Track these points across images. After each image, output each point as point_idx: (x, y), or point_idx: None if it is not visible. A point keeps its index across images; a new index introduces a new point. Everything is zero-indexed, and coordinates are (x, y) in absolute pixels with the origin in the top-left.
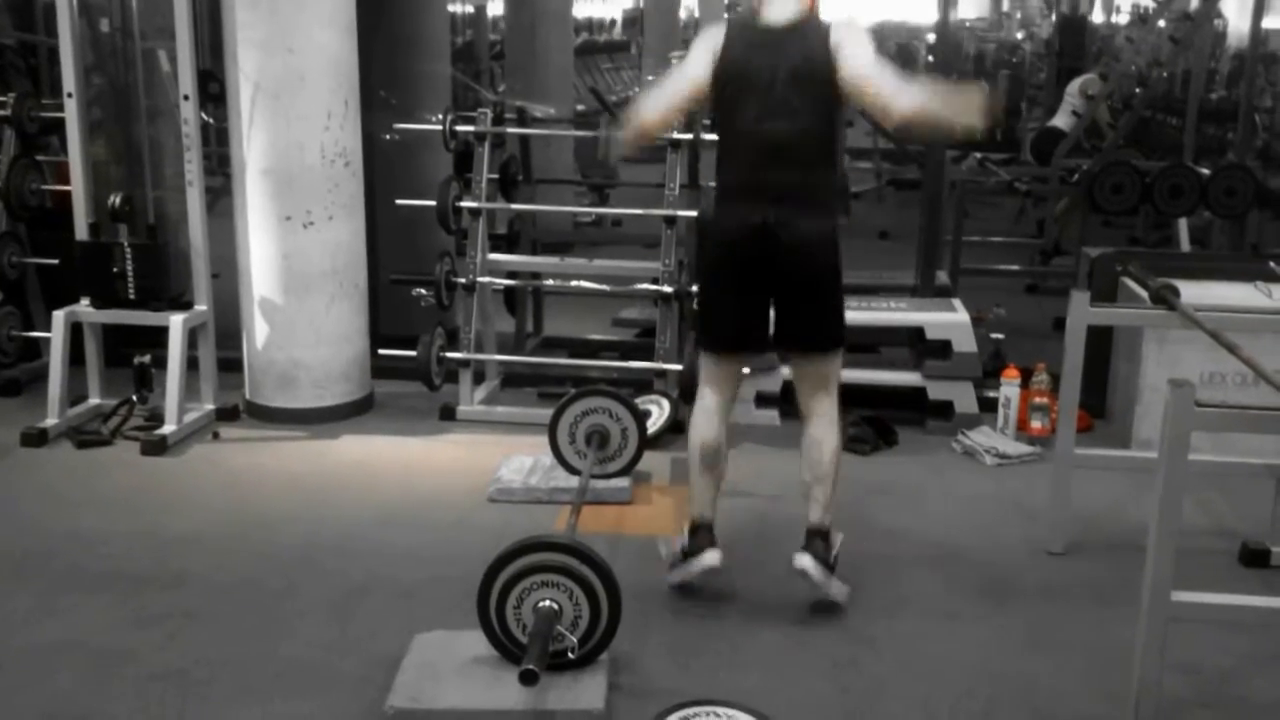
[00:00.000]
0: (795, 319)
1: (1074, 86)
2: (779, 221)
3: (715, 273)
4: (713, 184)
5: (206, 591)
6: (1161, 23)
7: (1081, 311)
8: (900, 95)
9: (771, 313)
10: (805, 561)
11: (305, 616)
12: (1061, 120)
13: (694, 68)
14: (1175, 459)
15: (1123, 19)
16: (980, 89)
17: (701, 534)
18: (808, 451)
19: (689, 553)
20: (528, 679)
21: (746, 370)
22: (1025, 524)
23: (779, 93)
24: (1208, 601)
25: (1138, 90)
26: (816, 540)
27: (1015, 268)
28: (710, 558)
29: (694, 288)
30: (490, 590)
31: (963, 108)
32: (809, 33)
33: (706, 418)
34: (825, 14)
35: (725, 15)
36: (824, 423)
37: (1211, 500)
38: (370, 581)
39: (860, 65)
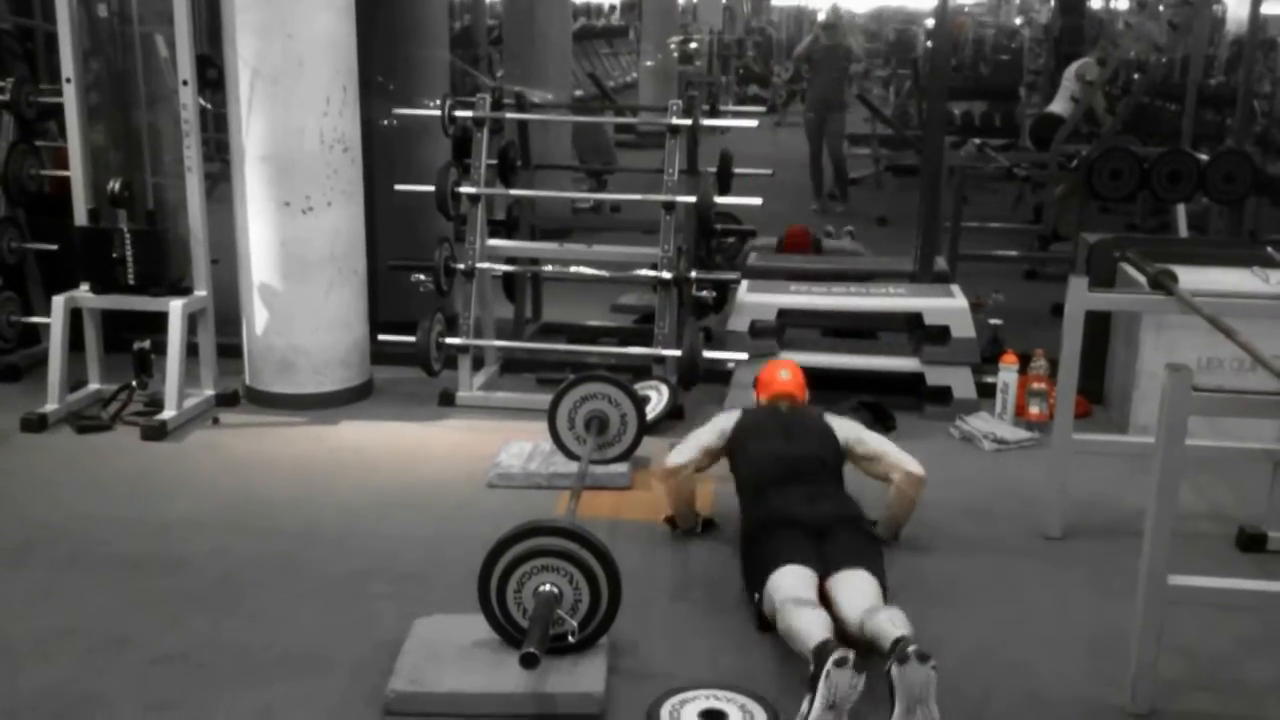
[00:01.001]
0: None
1: (1071, 71)
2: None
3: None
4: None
5: (207, 576)
6: (1161, 8)
7: (1080, 297)
8: (910, 461)
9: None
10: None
11: (306, 600)
12: (1060, 105)
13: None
14: (1172, 443)
15: (1122, 4)
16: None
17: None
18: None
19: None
20: (528, 662)
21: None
22: (1023, 509)
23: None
24: (1203, 585)
25: (1136, 76)
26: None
27: (1014, 253)
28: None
29: (695, 273)
30: (491, 574)
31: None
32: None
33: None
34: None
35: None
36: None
37: (1209, 485)
38: (370, 566)
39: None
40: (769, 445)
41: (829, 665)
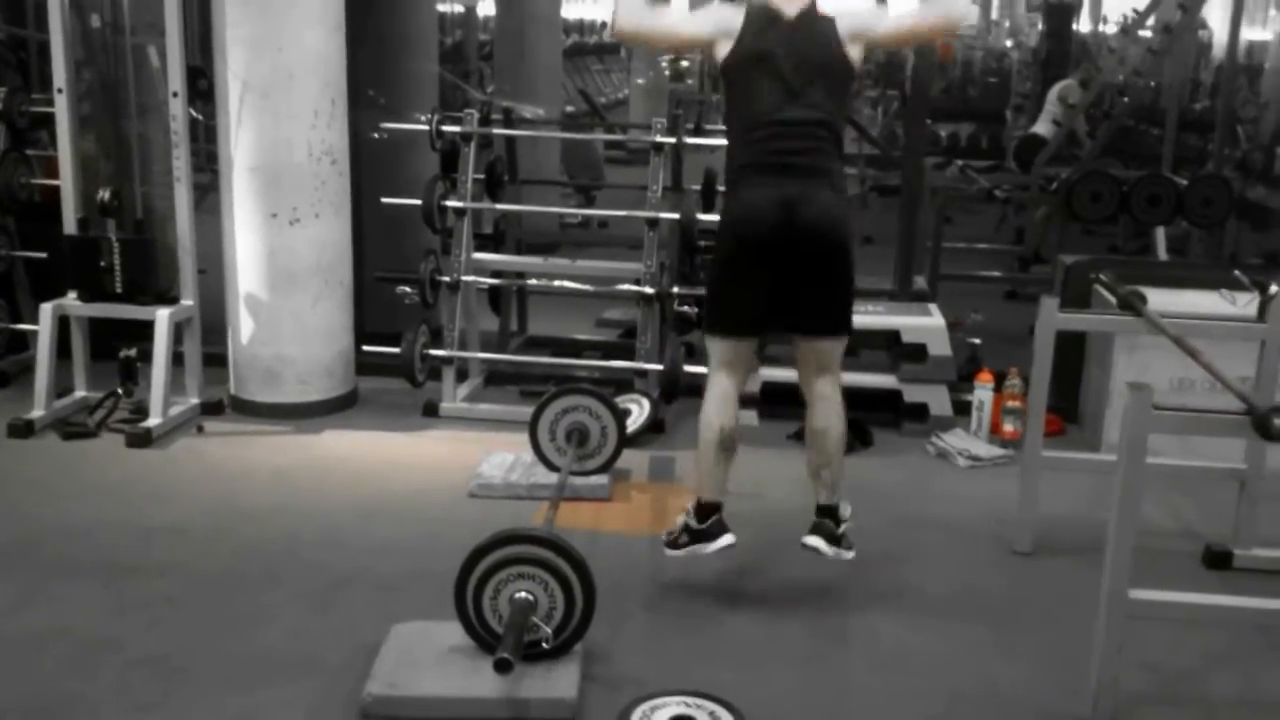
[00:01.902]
0: (809, 302)
1: (1054, 94)
2: (801, 198)
3: (732, 255)
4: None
5: (190, 581)
6: (1144, 32)
7: (1050, 316)
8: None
9: (779, 298)
10: (815, 541)
11: (287, 606)
12: (1042, 128)
13: (709, 27)
14: (1133, 460)
15: (1111, 29)
16: None
17: (716, 518)
18: (815, 437)
19: (703, 532)
20: (502, 667)
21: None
22: (994, 524)
23: (799, 81)
24: (1164, 599)
25: (1124, 99)
26: (826, 520)
27: (995, 274)
28: (726, 539)
29: (677, 288)
30: (467, 581)
31: None
32: (817, 23)
33: (721, 403)
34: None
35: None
36: (830, 406)
37: (1178, 504)
38: (351, 573)
39: (890, 18)
40: (773, 103)
41: (706, 544)
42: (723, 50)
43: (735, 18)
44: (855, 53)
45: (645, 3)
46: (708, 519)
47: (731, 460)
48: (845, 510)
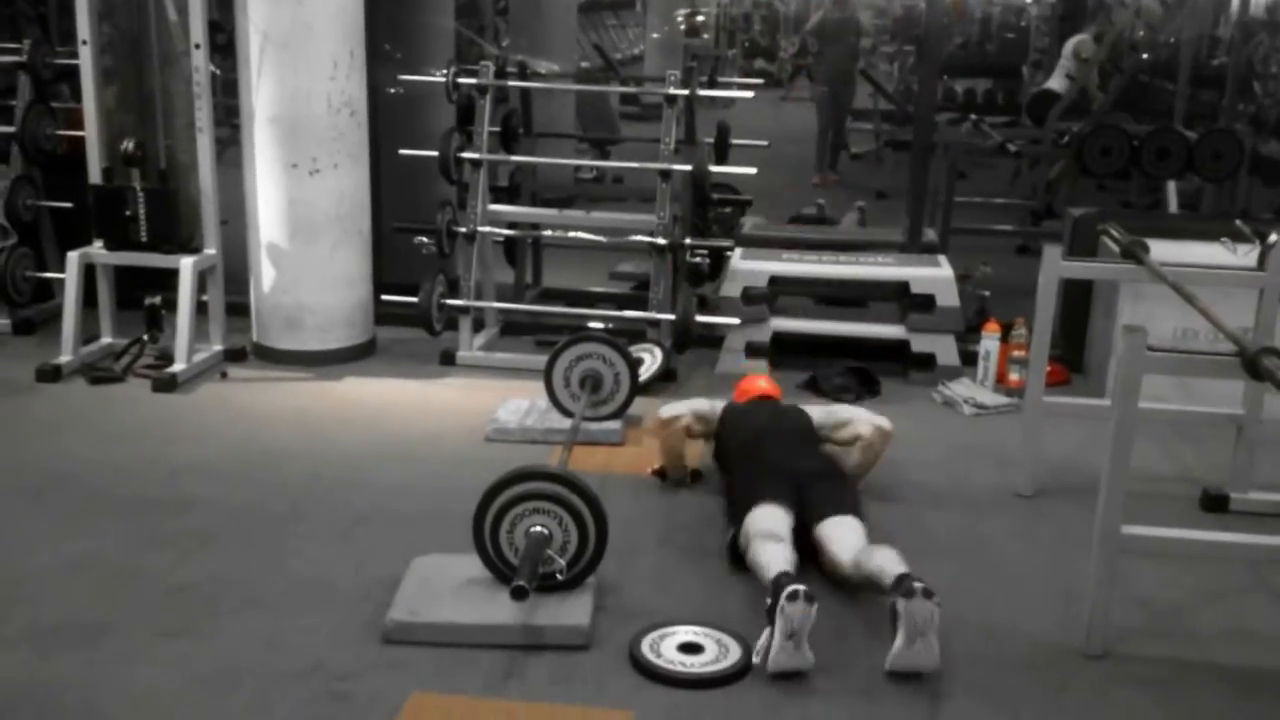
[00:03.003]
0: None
1: (1068, 48)
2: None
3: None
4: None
5: (215, 516)
6: None
7: (1053, 264)
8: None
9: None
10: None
11: (309, 540)
12: (1056, 82)
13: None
14: (1127, 399)
15: None
16: None
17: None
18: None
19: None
20: (518, 594)
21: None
22: (998, 469)
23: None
24: (1155, 535)
25: (1144, 56)
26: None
27: (1007, 228)
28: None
29: (689, 240)
30: (485, 515)
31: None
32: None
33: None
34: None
35: None
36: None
37: (1178, 450)
38: (371, 510)
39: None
40: (756, 423)
41: (783, 599)
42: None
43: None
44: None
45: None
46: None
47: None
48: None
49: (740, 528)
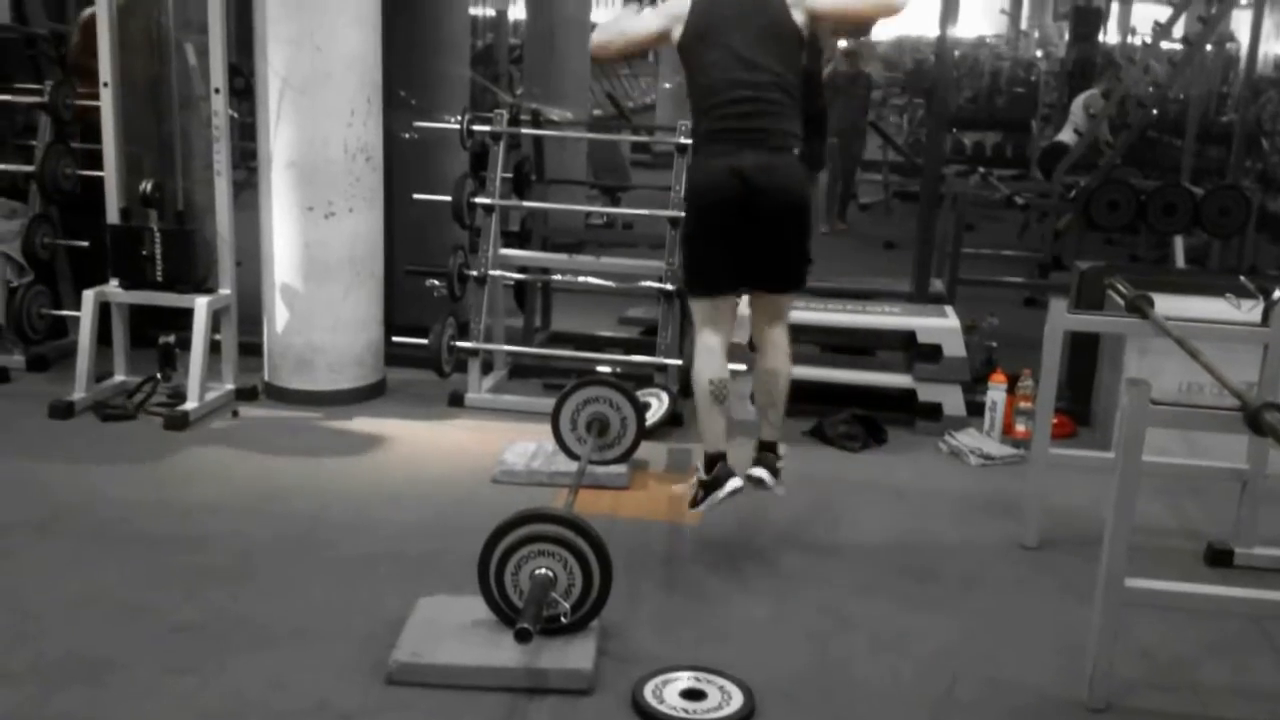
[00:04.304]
0: (769, 260)
1: (1078, 103)
2: (756, 165)
3: (699, 220)
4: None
5: (224, 554)
6: (1164, 45)
7: (1059, 318)
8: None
9: (742, 257)
10: (760, 472)
11: (316, 580)
12: (1066, 136)
13: (658, 20)
14: (1131, 451)
15: (1137, 40)
16: None
17: (720, 465)
18: (765, 378)
19: (711, 483)
20: (522, 637)
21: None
22: (1003, 520)
23: (749, 49)
24: (1159, 588)
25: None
26: (769, 454)
27: (1014, 279)
28: (733, 483)
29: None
30: (490, 557)
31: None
32: None
33: (711, 356)
34: None
35: None
36: (781, 354)
37: (1182, 504)
38: (378, 551)
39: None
40: (725, 72)
41: (723, 494)
42: (676, 33)
43: (682, 4)
44: (800, 18)
45: (612, 22)
46: (713, 468)
47: (726, 410)
48: (783, 449)
49: (692, 364)
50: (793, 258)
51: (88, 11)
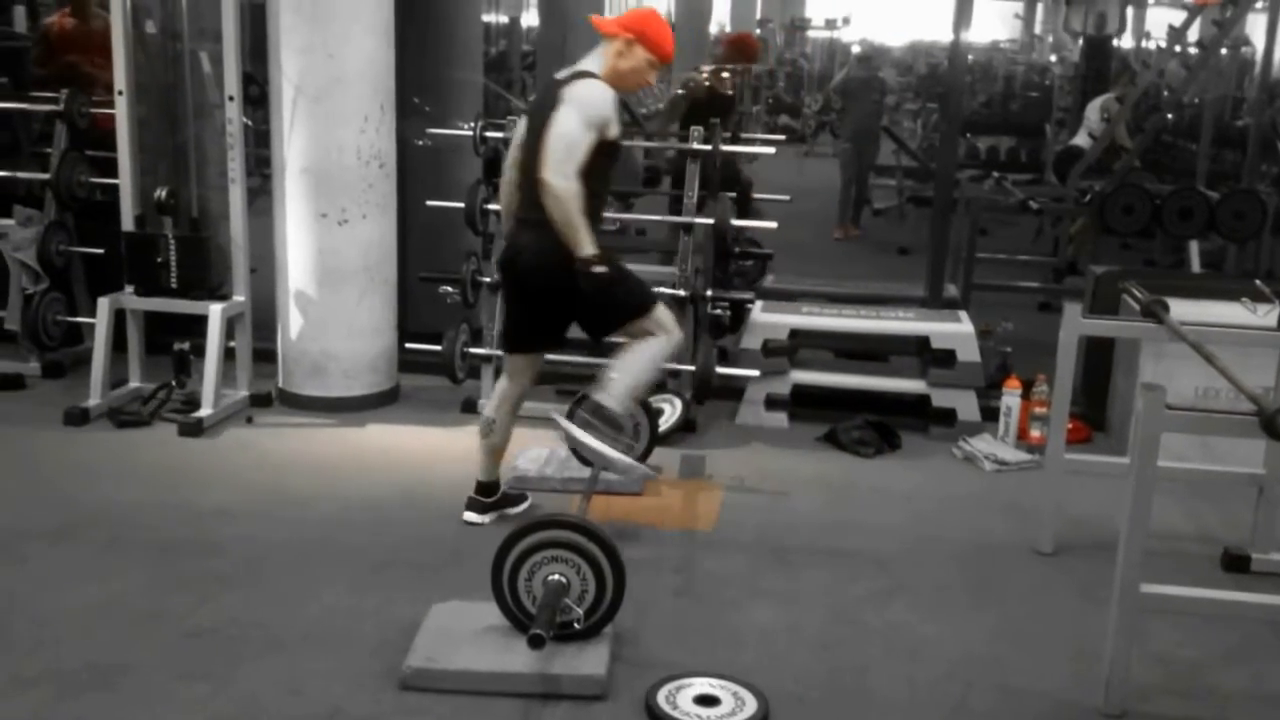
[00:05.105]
0: (581, 319)
1: (1093, 108)
2: (515, 249)
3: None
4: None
5: (238, 560)
6: (1178, 49)
7: (1074, 322)
8: (546, 166)
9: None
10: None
11: (330, 585)
12: (1082, 140)
13: (591, 132)
14: (1146, 456)
15: (1151, 44)
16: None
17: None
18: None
19: (493, 504)
20: (535, 643)
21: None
22: (1017, 526)
23: (528, 140)
24: (1174, 594)
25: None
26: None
27: (1029, 284)
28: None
29: (710, 292)
30: (504, 563)
31: (570, 240)
32: (561, 90)
33: (496, 399)
34: (591, 78)
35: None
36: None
37: (1199, 510)
38: (391, 556)
39: (552, 127)
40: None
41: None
42: (613, 132)
43: (608, 105)
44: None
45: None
46: (491, 495)
47: (492, 446)
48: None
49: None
50: (592, 312)
51: (49, 19)
